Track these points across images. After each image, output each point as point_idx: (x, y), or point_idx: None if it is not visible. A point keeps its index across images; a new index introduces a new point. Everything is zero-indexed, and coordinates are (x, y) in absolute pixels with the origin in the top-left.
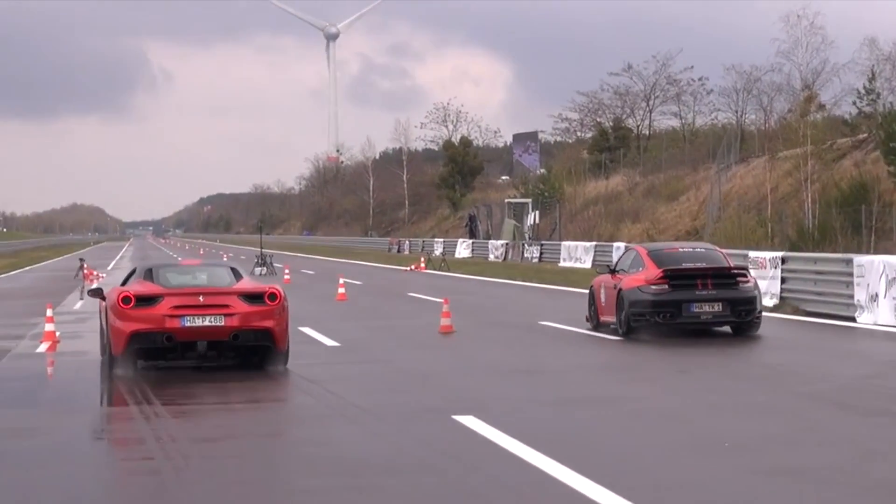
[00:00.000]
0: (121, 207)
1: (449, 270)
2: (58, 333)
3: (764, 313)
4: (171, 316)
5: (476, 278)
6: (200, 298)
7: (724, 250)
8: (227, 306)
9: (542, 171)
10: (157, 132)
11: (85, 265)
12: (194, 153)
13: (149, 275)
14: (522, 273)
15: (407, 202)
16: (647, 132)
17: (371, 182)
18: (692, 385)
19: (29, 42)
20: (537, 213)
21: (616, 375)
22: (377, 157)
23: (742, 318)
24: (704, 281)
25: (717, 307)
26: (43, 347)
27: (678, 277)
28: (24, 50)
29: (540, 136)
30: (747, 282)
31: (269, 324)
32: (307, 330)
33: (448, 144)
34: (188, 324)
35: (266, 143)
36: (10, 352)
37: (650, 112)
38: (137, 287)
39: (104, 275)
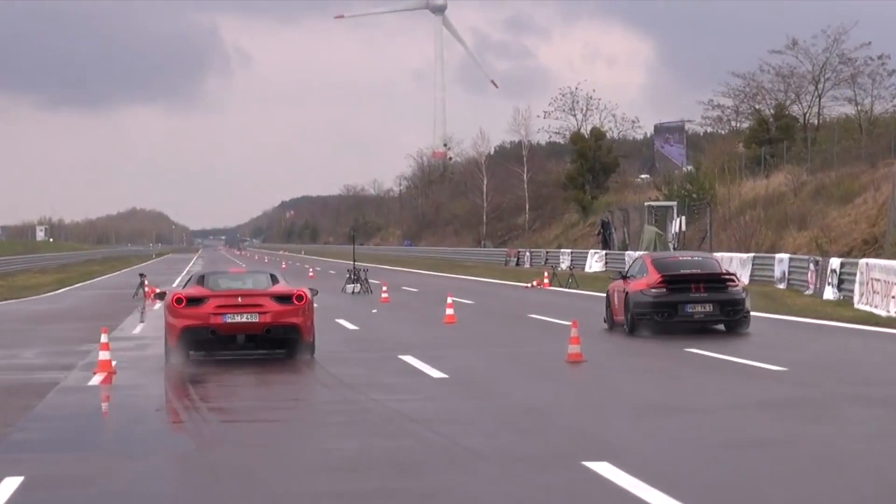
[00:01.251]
0: (188, 214)
1: (578, 287)
2: (114, 363)
3: None
4: (215, 314)
5: None
6: (239, 299)
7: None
8: (260, 305)
9: (690, 168)
10: (231, 124)
11: (146, 282)
12: (275, 149)
13: (201, 280)
14: None
15: (527, 206)
16: (816, 121)
17: (485, 182)
18: (881, 424)
19: (81, 20)
20: (683, 218)
21: (779, 412)
22: (492, 152)
23: (730, 317)
24: (698, 285)
25: (709, 307)
26: (97, 379)
27: (675, 282)
28: (77, 30)
29: (687, 126)
30: (735, 286)
31: (296, 320)
32: (409, 359)
33: (577, 137)
34: (229, 320)
35: (360, 137)
36: (59, 385)
37: (819, 97)
38: (189, 290)
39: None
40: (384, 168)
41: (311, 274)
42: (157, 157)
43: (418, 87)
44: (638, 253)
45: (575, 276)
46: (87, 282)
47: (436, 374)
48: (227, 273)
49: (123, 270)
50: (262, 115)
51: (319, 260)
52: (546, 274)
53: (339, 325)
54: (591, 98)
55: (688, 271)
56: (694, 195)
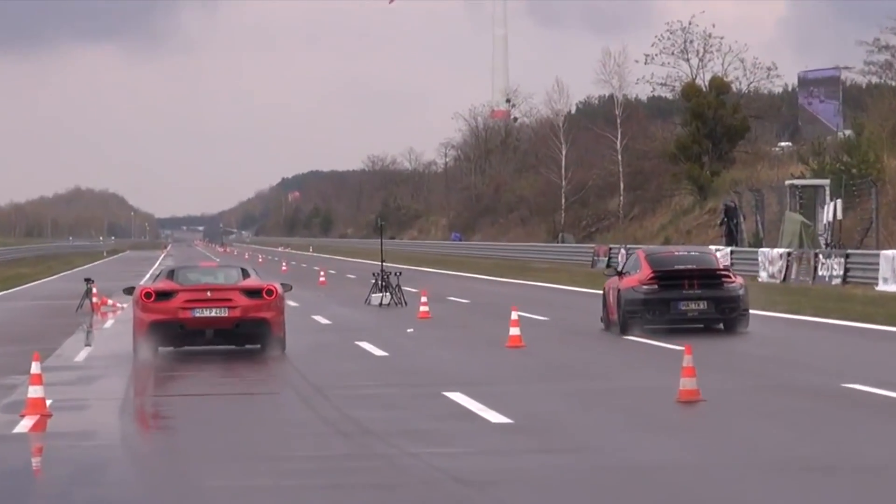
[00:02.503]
0: (153, 197)
1: None
2: (49, 402)
3: None
4: (184, 308)
5: None
6: (208, 293)
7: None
8: (230, 300)
9: (848, 133)
10: (214, 73)
11: (95, 290)
12: (272, 108)
13: (170, 275)
14: (814, 302)
15: (622, 185)
16: None
17: (563, 152)
18: None
19: None
20: (839, 202)
21: None
22: (573, 110)
23: (726, 315)
24: (691, 281)
25: (703, 305)
26: (25, 424)
27: (667, 278)
28: None
29: (843, 76)
30: (732, 282)
31: (266, 314)
32: (458, 397)
33: (691, 90)
34: (198, 314)
35: (389, 93)
36: None
37: None
38: (158, 284)
39: (125, 305)
40: (423, 134)
41: (321, 279)
42: (111, 118)
43: (470, 23)
44: (778, 251)
45: None
46: (11, 290)
47: (495, 417)
48: (198, 267)
49: (63, 274)
50: (256, 62)
51: (333, 260)
52: None
53: (362, 351)
54: (710, 37)
55: (682, 267)
56: (854, 170)
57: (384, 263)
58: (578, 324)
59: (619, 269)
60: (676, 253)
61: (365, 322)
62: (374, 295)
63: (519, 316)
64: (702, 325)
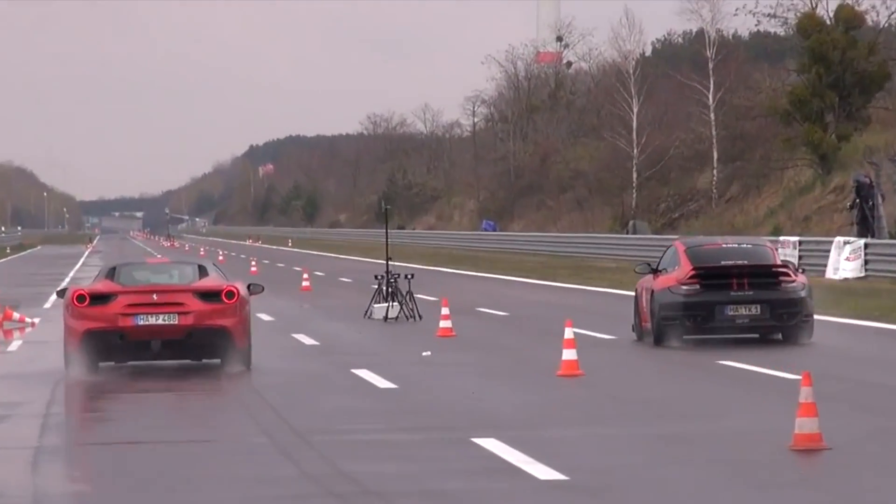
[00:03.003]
0: (75, 173)
1: None
2: None
3: None
4: (125, 314)
5: (871, 326)
6: (154, 296)
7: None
8: (181, 304)
9: None
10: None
11: None
12: (235, 55)
13: (111, 273)
14: None
15: (715, 155)
16: None
17: (635, 109)
18: None
19: None
20: None
21: None
22: (647, 52)
23: (783, 323)
24: (741, 280)
25: (755, 310)
26: None
27: (711, 276)
28: None
29: None
30: (791, 281)
31: (225, 322)
32: (492, 444)
33: (810, 24)
34: (141, 322)
35: (394, 31)
36: None
37: None
38: (95, 285)
39: (36, 320)
40: (442, 85)
41: (304, 283)
42: (15, 70)
43: None
44: None
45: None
46: None
47: (544, 473)
48: (144, 264)
49: None
50: None
51: (321, 257)
52: None
53: (361, 382)
54: None
55: (729, 262)
56: None
57: (391, 262)
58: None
59: (656, 265)
60: (724, 245)
61: (364, 343)
62: (376, 306)
63: (575, 334)
64: (756, 335)
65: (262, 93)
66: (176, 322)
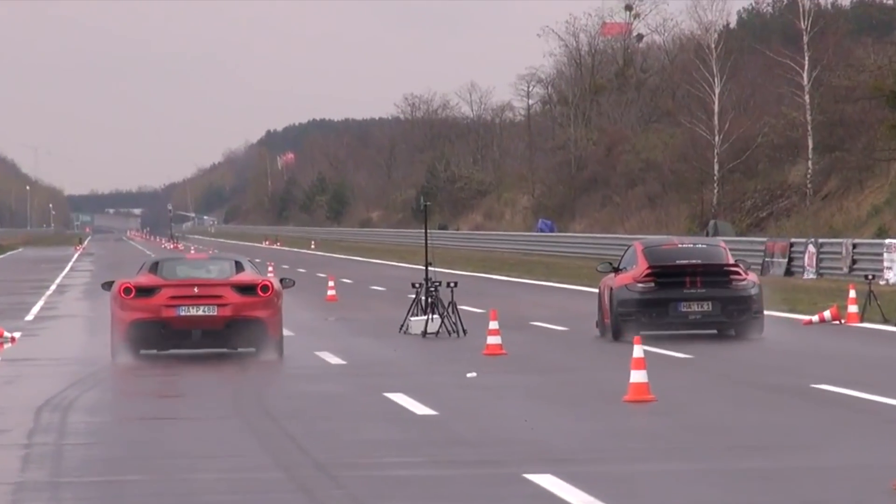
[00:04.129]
0: (63, 164)
1: None
2: None
3: None
4: (168, 306)
5: None
6: (195, 289)
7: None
8: (220, 297)
9: None
10: None
11: None
12: (248, 27)
13: (154, 268)
14: None
15: (810, 143)
16: None
17: (717, 90)
18: None
19: None
20: None
21: None
22: (730, 24)
23: (734, 319)
24: (693, 279)
25: (707, 306)
26: None
27: (666, 275)
28: None
29: None
30: (742, 280)
31: (260, 313)
32: (551, 483)
33: None
34: (183, 313)
35: (434, 4)
36: None
37: None
38: (140, 278)
39: (16, 334)
40: (491, 62)
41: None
42: None
43: None
44: None
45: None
46: None
47: None
48: (185, 259)
49: None
50: None
51: (350, 262)
52: (852, 294)
53: (395, 407)
54: None
55: (684, 261)
56: None
57: (431, 268)
58: (743, 362)
59: (617, 265)
60: (680, 245)
61: (399, 362)
62: (413, 319)
63: (645, 352)
64: (714, 331)
65: (282, 71)
66: (215, 313)
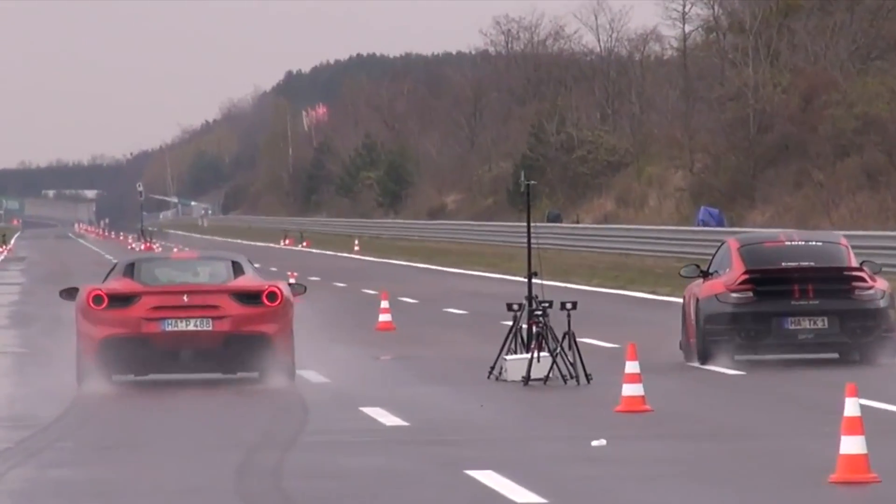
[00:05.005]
0: None
1: None
2: None
3: None
4: (150, 319)
5: None
6: (185, 298)
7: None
8: (216, 307)
9: None
10: None
11: None
12: None
13: (129, 270)
14: None
15: None
16: None
17: None
18: None
19: None
20: None
21: None
22: None
23: (857, 339)
24: (804, 286)
25: (822, 323)
26: None
27: (768, 281)
28: None
29: None
30: (868, 288)
31: (267, 328)
32: None
33: None
34: (170, 328)
35: None
36: None
37: None
38: (113, 284)
39: None
40: None
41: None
42: None
43: None
44: None
45: None
46: None
47: None
48: (168, 259)
49: None
50: None
51: (414, 270)
52: None
53: (486, 492)
54: None
55: (791, 264)
56: None
57: (536, 280)
58: None
59: (707, 267)
60: (787, 243)
61: (489, 424)
62: (510, 358)
63: (863, 408)
64: (835, 354)
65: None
66: (210, 328)
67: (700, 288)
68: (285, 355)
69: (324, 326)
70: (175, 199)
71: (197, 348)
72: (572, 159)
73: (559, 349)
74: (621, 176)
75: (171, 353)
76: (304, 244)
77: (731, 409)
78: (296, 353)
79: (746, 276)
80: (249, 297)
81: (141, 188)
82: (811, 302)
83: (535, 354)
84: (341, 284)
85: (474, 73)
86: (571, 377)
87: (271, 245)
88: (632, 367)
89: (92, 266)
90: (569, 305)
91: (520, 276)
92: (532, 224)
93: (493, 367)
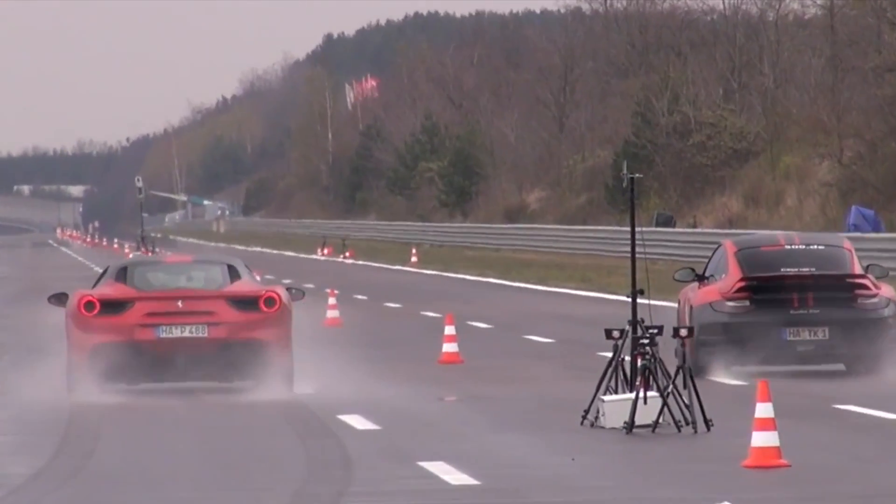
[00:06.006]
0: None
1: None
2: None
3: None
4: (144, 325)
5: None
6: (179, 303)
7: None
8: (211, 313)
9: None
10: None
11: None
12: None
13: (122, 275)
14: None
15: None
16: None
17: None
18: None
19: None
20: None
21: None
22: None
23: (860, 350)
24: (803, 294)
25: (822, 333)
26: None
27: (766, 289)
28: None
29: None
30: (871, 296)
31: (265, 335)
32: None
33: None
34: (164, 335)
35: None
36: None
37: None
38: (105, 290)
39: None
40: None
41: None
42: None
43: None
44: None
45: None
46: None
47: None
48: (161, 263)
49: None
50: None
51: (485, 286)
52: None
53: None
54: None
55: (791, 270)
56: None
57: (642, 300)
58: None
59: (703, 271)
60: (787, 247)
61: (583, 481)
62: (609, 399)
63: None
64: (841, 365)
65: None
66: (205, 335)
67: (695, 294)
68: (284, 363)
69: (371, 359)
70: (184, 198)
71: (192, 356)
72: (688, 146)
73: (671, 387)
74: (750, 167)
75: (166, 361)
76: (347, 254)
77: (890, 463)
78: (336, 394)
79: (743, 284)
80: (246, 302)
81: (140, 183)
82: (811, 311)
83: (640, 393)
84: (394, 305)
85: (563, 37)
86: (687, 423)
87: (306, 255)
88: (764, 409)
89: (77, 283)
90: (683, 332)
91: (621, 294)
92: (637, 229)
93: (587, 411)
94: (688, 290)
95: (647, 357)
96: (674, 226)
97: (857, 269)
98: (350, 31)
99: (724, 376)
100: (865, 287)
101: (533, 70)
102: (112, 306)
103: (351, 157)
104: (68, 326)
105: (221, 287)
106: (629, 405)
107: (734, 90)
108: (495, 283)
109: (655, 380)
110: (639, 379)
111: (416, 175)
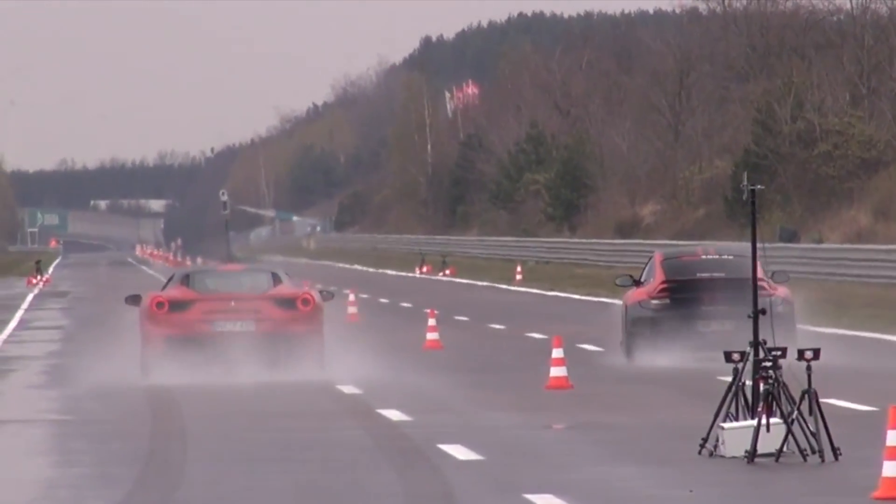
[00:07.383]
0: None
1: None
2: None
3: None
4: (203, 321)
5: None
6: (232, 304)
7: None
8: (258, 311)
9: None
10: None
11: None
12: None
13: (185, 280)
14: None
15: None
16: None
17: None
18: None
19: None
20: None
21: None
22: None
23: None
24: (712, 294)
25: (728, 325)
26: None
27: (683, 290)
28: None
29: None
30: (767, 295)
31: (302, 329)
32: None
33: None
34: (219, 329)
35: None
36: None
37: None
38: (171, 292)
39: None
40: None
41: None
42: None
43: None
44: None
45: None
46: None
47: None
48: (216, 271)
49: None
50: None
51: (600, 307)
52: None
53: None
54: None
55: (705, 275)
56: None
57: (765, 320)
58: None
59: (639, 277)
60: (703, 256)
61: None
62: (729, 426)
63: None
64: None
65: None
66: (253, 329)
67: (630, 295)
68: (317, 352)
69: (473, 384)
70: (272, 213)
71: (241, 346)
72: (813, 156)
73: (796, 414)
74: (881, 178)
75: (221, 350)
76: (447, 272)
77: None
78: (436, 422)
79: (665, 286)
80: (286, 302)
81: (225, 197)
82: (719, 307)
83: (764, 421)
84: (498, 326)
85: (679, 38)
86: (813, 451)
87: (403, 273)
88: (895, 437)
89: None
90: (809, 354)
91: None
92: (759, 244)
93: (705, 439)
94: (627, 293)
95: (770, 381)
96: (798, 241)
97: (759, 274)
98: (450, 33)
99: (656, 361)
100: (763, 288)
101: (646, 74)
102: (178, 305)
103: (451, 168)
104: (142, 322)
105: (266, 290)
106: (751, 433)
107: (863, 95)
108: (607, 303)
109: (779, 405)
110: (761, 405)
111: (520, 187)
